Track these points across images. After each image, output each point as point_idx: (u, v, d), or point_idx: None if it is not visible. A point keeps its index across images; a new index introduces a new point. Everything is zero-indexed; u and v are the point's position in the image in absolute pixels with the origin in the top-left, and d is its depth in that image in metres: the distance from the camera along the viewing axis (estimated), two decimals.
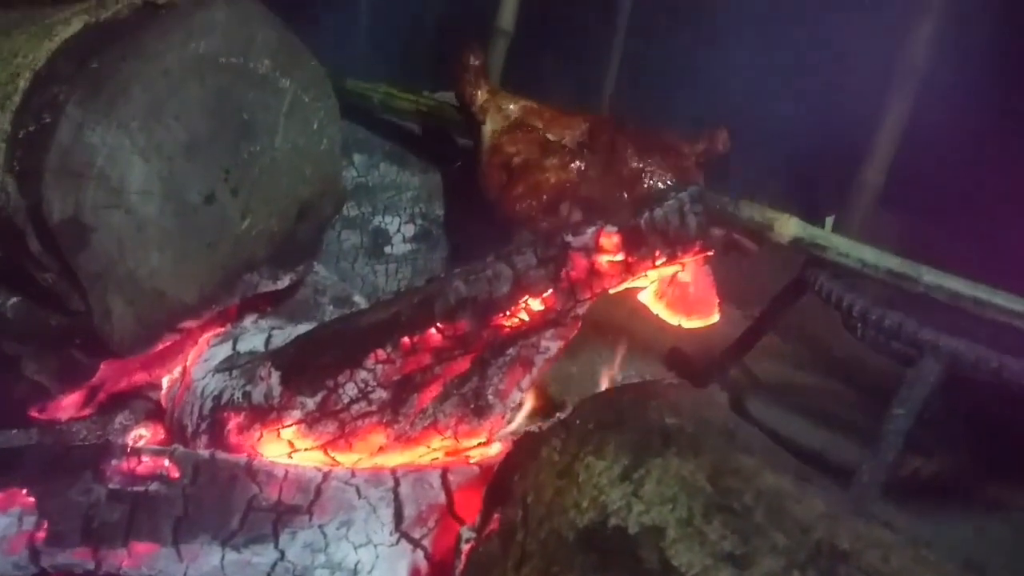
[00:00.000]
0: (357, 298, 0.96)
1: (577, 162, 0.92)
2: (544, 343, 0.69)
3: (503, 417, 0.68)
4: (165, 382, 0.82)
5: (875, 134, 1.76)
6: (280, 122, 0.75)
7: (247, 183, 0.74)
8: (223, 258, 0.74)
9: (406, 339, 0.63)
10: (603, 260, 0.64)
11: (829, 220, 1.97)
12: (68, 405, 0.85)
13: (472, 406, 0.68)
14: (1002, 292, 0.82)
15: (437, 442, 0.67)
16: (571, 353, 1.15)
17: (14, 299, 0.65)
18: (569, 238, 0.64)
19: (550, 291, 0.64)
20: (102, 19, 0.62)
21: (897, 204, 2.03)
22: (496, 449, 0.68)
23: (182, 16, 0.63)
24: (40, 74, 0.59)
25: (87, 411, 0.89)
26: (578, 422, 0.54)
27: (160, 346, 0.71)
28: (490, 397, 0.68)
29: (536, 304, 0.65)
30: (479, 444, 0.68)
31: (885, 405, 0.75)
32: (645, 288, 0.71)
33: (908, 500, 0.87)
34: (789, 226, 0.90)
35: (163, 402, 0.79)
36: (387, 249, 1.07)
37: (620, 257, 0.64)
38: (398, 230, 1.07)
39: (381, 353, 0.63)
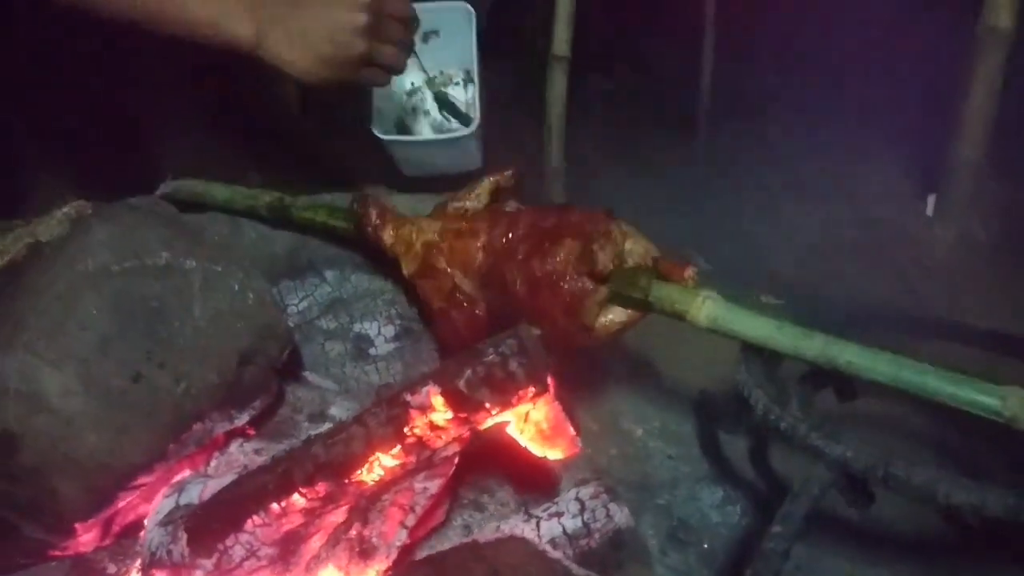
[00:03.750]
0: (333, 410, 1.04)
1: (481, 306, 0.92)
2: (420, 485, 0.74)
3: (388, 556, 0.74)
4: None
5: (963, 105, 1.66)
6: (195, 297, 0.85)
7: (173, 355, 0.84)
8: (165, 420, 0.85)
9: (275, 505, 0.71)
10: (440, 417, 0.68)
11: (930, 200, 1.88)
12: (88, 540, 1.00)
13: (358, 549, 0.74)
14: (936, 369, 0.77)
15: None
16: (590, 407, 1.19)
17: None
18: (407, 397, 0.69)
19: (398, 447, 0.70)
20: (10, 258, 0.75)
21: (1001, 178, 1.92)
22: None
23: (64, 247, 0.74)
24: None
25: (107, 542, 1.04)
26: None
27: (118, 504, 0.84)
28: (374, 539, 0.75)
29: (389, 460, 0.70)
30: None
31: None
32: (509, 424, 0.74)
33: None
34: (703, 310, 0.88)
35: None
36: (371, 351, 1.15)
37: (452, 414, 0.68)
38: (379, 332, 1.14)
39: (256, 519, 0.71)
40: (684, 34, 3.14)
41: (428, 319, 0.99)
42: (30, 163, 1.74)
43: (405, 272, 0.94)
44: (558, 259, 0.81)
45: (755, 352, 0.87)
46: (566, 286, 0.81)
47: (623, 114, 3.33)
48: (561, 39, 2.30)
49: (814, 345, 0.81)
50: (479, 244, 0.87)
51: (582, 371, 1.08)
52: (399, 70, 0.90)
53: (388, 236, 0.93)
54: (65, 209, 0.78)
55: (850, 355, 0.77)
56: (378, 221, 0.93)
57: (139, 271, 0.79)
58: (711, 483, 1.04)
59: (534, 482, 0.81)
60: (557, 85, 2.34)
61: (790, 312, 1.80)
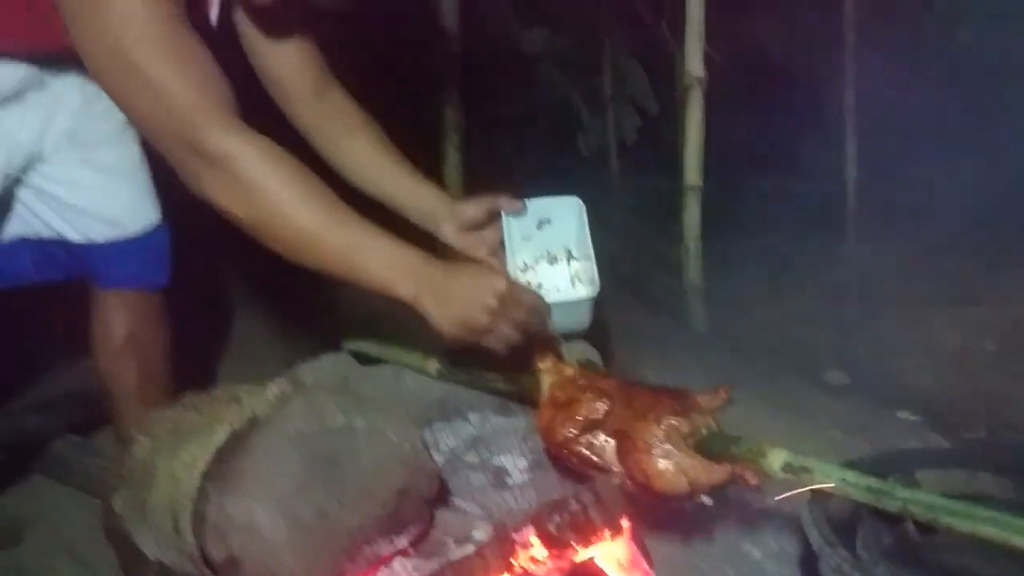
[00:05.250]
0: (476, 533, 1.25)
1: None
2: None
3: None
4: None
5: None
6: (363, 448, 1.10)
7: (348, 494, 1.09)
8: (343, 545, 1.10)
9: None
10: (538, 552, 0.88)
11: None
12: None
13: None
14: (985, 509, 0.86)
15: None
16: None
17: None
18: (513, 535, 0.89)
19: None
20: (236, 429, 1.04)
21: None
22: None
23: (272, 419, 1.02)
24: (203, 471, 1.01)
25: None
26: None
27: None
28: None
29: None
30: None
31: None
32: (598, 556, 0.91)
33: None
34: (776, 461, 1.02)
35: None
36: (508, 481, 1.36)
37: (546, 552, 0.87)
38: (514, 465, 1.36)
39: None
40: (828, 138, 3.24)
41: (552, 455, 1.20)
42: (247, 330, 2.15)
43: (546, 382, 1.16)
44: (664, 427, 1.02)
45: (824, 496, 1.00)
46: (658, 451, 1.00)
47: (769, 217, 3.44)
48: (692, 169, 2.51)
49: (884, 496, 0.92)
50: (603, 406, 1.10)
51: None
52: (510, 345, 1.12)
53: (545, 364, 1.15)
54: (274, 387, 1.07)
55: (922, 505, 0.88)
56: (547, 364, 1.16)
57: (323, 433, 1.05)
58: None
59: None
60: (691, 211, 2.55)
61: (928, 430, 1.87)
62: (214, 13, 1.29)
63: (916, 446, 1.58)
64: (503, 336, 1.09)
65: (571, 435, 1.12)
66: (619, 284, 3.08)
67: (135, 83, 0.99)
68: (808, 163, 3.57)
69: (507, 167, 4.25)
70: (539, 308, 1.12)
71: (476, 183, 3.36)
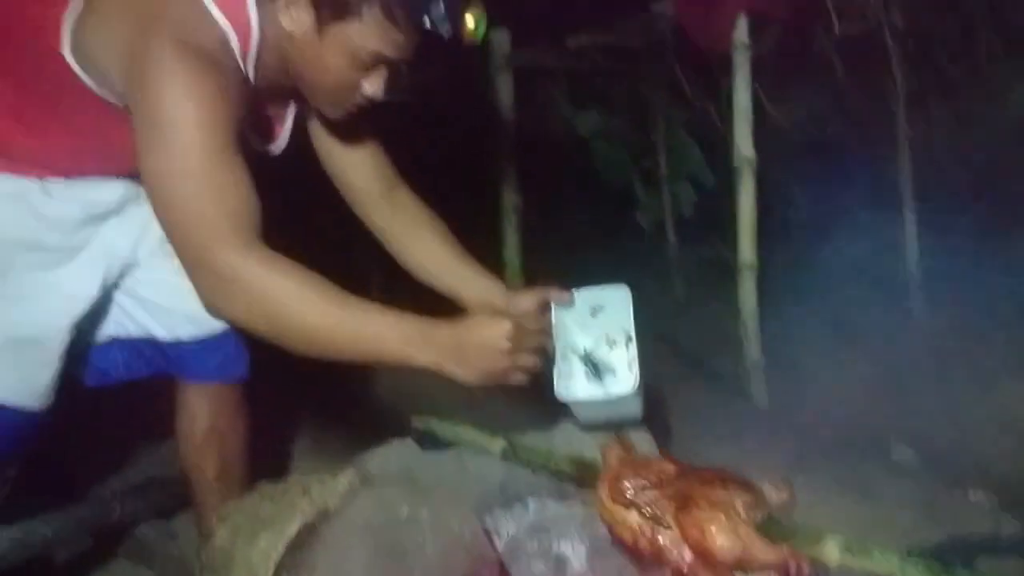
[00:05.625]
0: None
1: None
2: None
3: None
4: None
5: None
6: (427, 537, 1.15)
7: None
8: None
9: None
10: None
11: None
12: None
13: None
14: None
15: None
16: None
17: None
18: None
19: None
20: (308, 520, 1.10)
21: None
22: None
23: (341, 511, 1.08)
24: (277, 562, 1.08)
25: None
26: None
27: None
28: None
29: None
30: None
31: None
32: None
33: None
34: (833, 546, 1.03)
35: None
36: (568, 569, 1.38)
37: None
38: (574, 552, 1.38)
39: None
40: (889, 207, 3.23)
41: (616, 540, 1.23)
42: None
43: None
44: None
45: None
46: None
47: (832, 289, 3.41)
48: (746, 248, 2.55)
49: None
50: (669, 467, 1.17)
51: None
52: (534, 371, 1.21)
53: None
54: (342, 480, 1.14)
55: None
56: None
57: (389, 524, 1.11)
58: None
59: None
60: (747, 289, 2.57)
61: (1001, 512, 1.84)
62: (286, 129, 1.42)
63: (986, 529, 1.54)
64: (524, 368, 1.18)
65: (633, 489, 1.16)
66: (681, 360, 3.09)
67: (174, 205, 1.12)
68: (870, 233, 3.56)
69: (566, 245, 4.35)
70: (544, 327, 1.22)
71: (535, 262, 3.45)
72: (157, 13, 1.12)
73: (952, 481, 1.96)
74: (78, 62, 1.19)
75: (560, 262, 4.14)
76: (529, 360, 1.19)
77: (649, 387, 1.38)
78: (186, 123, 1.09)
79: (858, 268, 3.38)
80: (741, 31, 2.43)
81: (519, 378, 1.20)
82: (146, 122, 1.12)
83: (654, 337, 3.23)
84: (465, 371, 1.14)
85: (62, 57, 1.19)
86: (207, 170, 1.10)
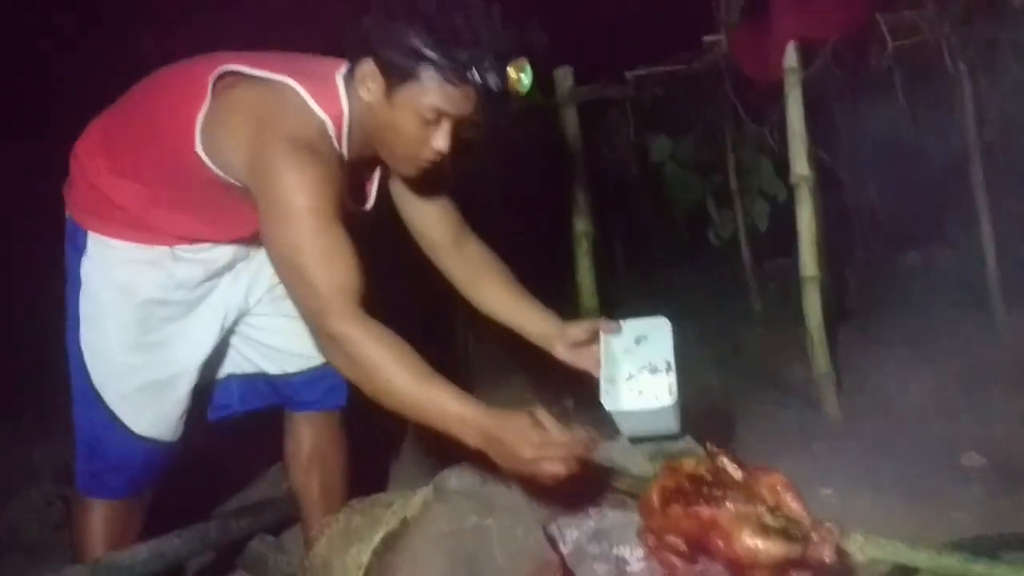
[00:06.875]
0: None
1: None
2: None
3: None
4: None
5: None
6: (495, 544, 1.32)
7: None
8: None
9: None
10: None
11: None
12: None
13: None
14: None
15: None
16: None
17: None
18: None
19: None
20: (390, 530, 1.29)
21: None
22: None
23: (419, 520, 1.26)
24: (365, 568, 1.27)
25: None
26: None
27: None
28: None
29: None
30: None
31: None
32: None
33: None
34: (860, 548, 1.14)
35: None
36: (628, 569, 1.52)
37: None
38: (632, 554, 1.52)
39: None
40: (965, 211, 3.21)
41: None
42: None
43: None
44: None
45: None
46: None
47: (908, 295, 3.41)
48: (808, 261, 2.62)
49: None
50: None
51: None
52: (559, 478, 1.28)
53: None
54: (420, 494, 1.32)
55: None
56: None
57: (460, 531, 1.29)
58: None
59: None
60: (811, 301, 2.64)
61: None
62: (373, 190, 1.64)
63: None
64: (549, 472, 1.27)
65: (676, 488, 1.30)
66: (754, 371, 3.17)
67: (294, 272, 1.36)
68: (948, 242, 3.53)
69: (643, 268, 4.46)
70: (574, 443, 1.28)
71: (611, 287, 3.58)
72: (272, 113, 1.38)
73: (1018, 485, 1.99)
74: (207, 154, 1.44)
75: (639, 283, 4.27)
76: (553, 467, 1.26)
77: (694, 403, 1.51)
78: (300, 209, 1.33)
79: (937, 277, 3.37)
80: (791, 57, 2.52)
81: (545, 480, 1.29)
82: (269, 207, 1.36)
83: (730, 351, 3.33)
84: (499, 457, 1.29)
85: (196, 154, 1.45)
86: (317, 244, 1.33)
